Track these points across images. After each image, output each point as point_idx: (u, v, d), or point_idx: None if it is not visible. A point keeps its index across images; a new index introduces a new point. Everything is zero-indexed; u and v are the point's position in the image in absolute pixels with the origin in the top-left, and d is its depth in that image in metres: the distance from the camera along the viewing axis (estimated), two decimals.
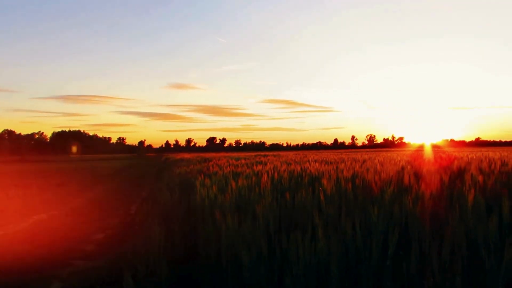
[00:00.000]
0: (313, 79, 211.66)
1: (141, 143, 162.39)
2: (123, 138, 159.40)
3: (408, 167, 4.75)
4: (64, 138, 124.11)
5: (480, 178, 3.07)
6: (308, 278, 1.72)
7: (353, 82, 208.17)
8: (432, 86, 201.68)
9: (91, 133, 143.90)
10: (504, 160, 5.85)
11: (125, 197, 10.25)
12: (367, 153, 22.73)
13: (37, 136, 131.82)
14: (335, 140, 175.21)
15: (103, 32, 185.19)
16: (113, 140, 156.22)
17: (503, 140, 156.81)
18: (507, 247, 1.49)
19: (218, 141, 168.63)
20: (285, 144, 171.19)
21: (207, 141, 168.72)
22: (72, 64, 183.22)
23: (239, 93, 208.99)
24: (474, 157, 8.26)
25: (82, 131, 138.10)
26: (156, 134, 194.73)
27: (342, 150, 54.80)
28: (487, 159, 6.66)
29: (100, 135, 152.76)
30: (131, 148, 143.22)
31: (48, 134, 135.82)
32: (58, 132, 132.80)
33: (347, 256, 1.83)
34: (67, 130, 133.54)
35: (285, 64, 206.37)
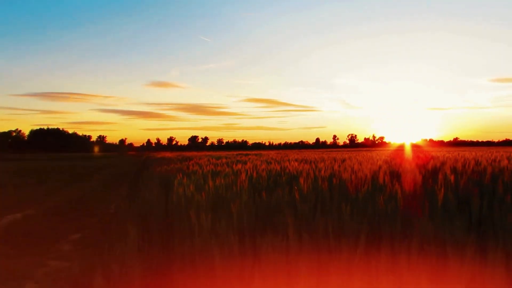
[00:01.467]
0: (295, 79, 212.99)
1: (122, 141, 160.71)
2: (103, 136, 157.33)
3: (385, 166, 4.83)
4: (43, 136, 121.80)
5: (452, 177, 3.14)
6: (278, 277, 1.73)
7: (335, 82, 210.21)
8: (412, 86, 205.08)
9: (70, 131, 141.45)
10: (478, 160, 6.02)
11: (104, 196, 10.12)
12: (347, 152, 22.98)
13: (14, 133, 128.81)
14: (317, 139, 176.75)
15: (83, 29, 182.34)
16: (93, 139, 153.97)
17: (480, 140, 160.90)
18: (469, 245, 1.53)
19: (200, 140, 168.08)
20: (267, 143, 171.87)
21: (189, 140, 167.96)
22: (50, 61, 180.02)
23: (221, 92, 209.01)
24: (451, 156, 8.46)
25: (61, 129, 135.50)
26: (137, 133, 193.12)
27: (324, 150, 55.26)
28: (462, 159, 6.83)
29: (80, 133, 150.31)
30: (111, 146, 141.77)
31: (26, 131, 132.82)
32: (36, 130, 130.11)
33: (318, 255, 1.86)
34: (45, 128, 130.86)
35: (267, 63, 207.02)
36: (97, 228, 6.01)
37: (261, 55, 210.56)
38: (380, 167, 4.77)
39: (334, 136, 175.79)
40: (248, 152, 24.64)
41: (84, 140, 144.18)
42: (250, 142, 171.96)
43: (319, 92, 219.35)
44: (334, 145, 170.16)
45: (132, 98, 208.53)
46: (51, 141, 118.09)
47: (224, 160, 10.38)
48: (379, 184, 3.19)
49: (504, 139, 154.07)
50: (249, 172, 4.88)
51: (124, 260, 2.52)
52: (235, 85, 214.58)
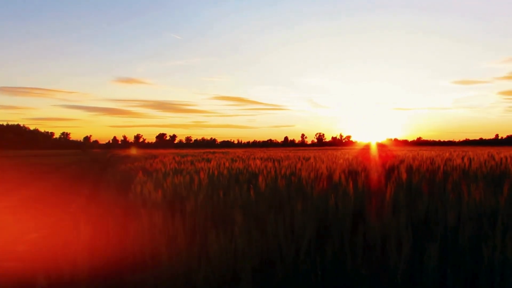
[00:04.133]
0: (264, 77, 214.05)
1: (87, 138, 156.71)
2: (67, 133, 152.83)
3: (344, 165, 4.95)
4: (2, 133, 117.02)
5: (404, 175, 3.25)
6: (223, 275, 1.75)
7: (303, 81, 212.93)
8: (378, 87, 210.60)
9: (31, 128, 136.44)
10: (433, 159, 6.27)
11: (65, 195, 9.82)
12: (314, 151, 23.31)
13: None
14: (286, 138, 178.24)
15: (45, 22, 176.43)
16: (56, 135, 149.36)
17: (442, 140, 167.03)
18: (405, 242, 1.60)
19: (168, 138, 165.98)
20: (236, 142, 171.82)
21: (157, 137, 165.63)
22: (9, 53, 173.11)
23: (189, 89, 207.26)
24: (411, 155, 8.75)
25: (21, 125, 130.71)
26: (102, 130, 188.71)
27: (292, 148, 55.79)
28: (420, 158, 7.07)
29: (42, 129, 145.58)
30: (75, 144, 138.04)
31: None
32: None
33: (267, 252, 1.88)
34: (4, 123, 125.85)
35: (236, 61, 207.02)
36: (56, 228, 5.84)
37: (229, 53, 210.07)
38: (339, 166, 4.87)
39: (303, 135, 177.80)
40: (216, 150, 24.60)
41: (47, 137, 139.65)
42: (219, 140, 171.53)
43: (288, 91, 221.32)
44: (303, 144, 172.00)
45: (97, 94, 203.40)
46: (10, 137, 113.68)
47: (189, 158, 10.32)
48: (335, 182, 3.25)
49: (464, 139, 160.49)
50: (210, 171, 4.87)
51: (76, 262, 2.47)
52: (203, 83, 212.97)
